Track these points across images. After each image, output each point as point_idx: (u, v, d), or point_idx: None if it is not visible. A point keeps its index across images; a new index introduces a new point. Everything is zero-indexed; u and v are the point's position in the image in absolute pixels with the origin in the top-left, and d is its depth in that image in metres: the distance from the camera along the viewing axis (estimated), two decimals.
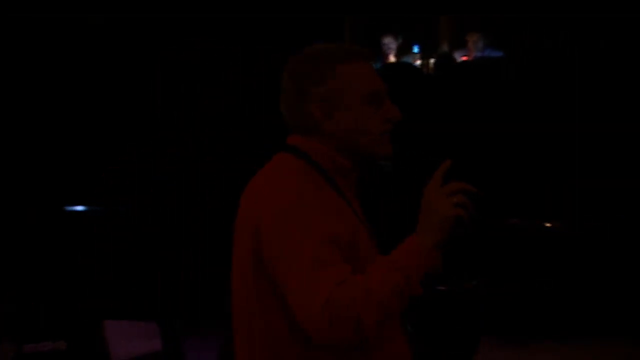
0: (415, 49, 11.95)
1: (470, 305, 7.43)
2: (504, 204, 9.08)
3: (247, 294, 2.37)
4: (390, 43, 11.58)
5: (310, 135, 2.38)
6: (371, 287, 2.14)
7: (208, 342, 7.83)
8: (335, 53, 2.40)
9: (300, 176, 2.31)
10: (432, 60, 11.78)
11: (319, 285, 2.15)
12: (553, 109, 10.02)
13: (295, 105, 2.39)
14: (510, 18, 11.76)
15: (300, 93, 2.37)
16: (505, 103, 10.00)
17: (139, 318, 7.30)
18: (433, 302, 6.86)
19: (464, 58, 11.50)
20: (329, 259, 2.18)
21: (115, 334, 7.04)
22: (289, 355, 2.30)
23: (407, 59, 11.87)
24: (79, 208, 8.77)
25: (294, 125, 2.42)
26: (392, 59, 11.79)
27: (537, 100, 10.13)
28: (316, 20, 11.67)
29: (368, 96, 2.36)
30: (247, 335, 2.40)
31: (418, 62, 11.90)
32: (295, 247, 2.20)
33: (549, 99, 10.08)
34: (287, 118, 2.43)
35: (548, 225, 8.72)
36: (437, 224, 2.17)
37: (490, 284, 8.20)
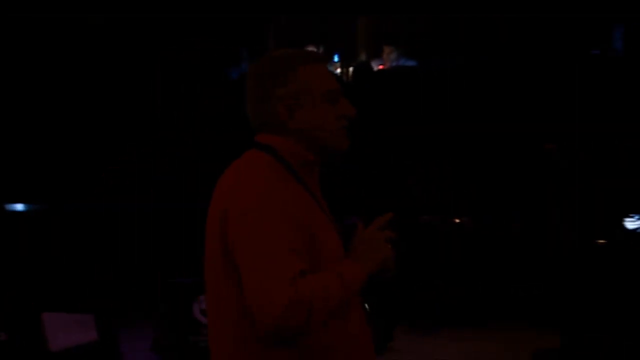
0: (336, 58, 12.19)
1: (388, 294, 7.65)
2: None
3: (217, 281, 2.40)
4: None
5: (275, 133, 2.44)
6: (326, 289, 2.24)
7: (142, 332, 8.05)
8: (295, 56, 2.46)
9: (268, 170, 2.36)
10: (351, 69, 12.06)
11: (280, 274, 2.21)
12: (463, 111, 10.32)
13: (260, 106, 2.45)
14: (424, 28, 12.08)
15: (265, 94, 2.43)
16: (419, 107, 10.29)
17: (75, 310, 7.35)
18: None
19: (381, 67, 11.82)
20: (292, 249, 2.25)
21: (53, 326, 7.09)
22: (256, 339, 2.31)
23: (328, 67, 12.04)
24: (19, 206, 8.75)
25: (260, 124, 2.48)
26: None
27: (448, 104, 10.43)
28: (241, 31, 11.76)
29: (326, 95, 2.44)
30: (219, 321, 2.42)
31: (338, 71, 12.14)
32: (259, 236, 2.26)
33: (459, 103, 10.38)
34: (252, 118, 2.49)
35: (457, 221, 8.94)
36: (379, 260, 2.37)
37: (404, 277, 8.42)
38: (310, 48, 11.64)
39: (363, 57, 12.31)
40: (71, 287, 7.78)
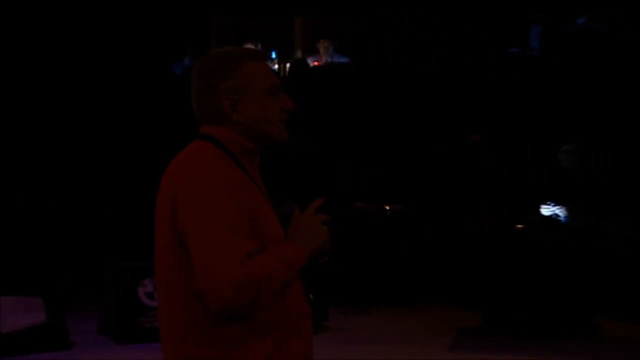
0: (273, 55, 12.30)
1: (323, 276, 7.79)
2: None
3: (167, 265, 2.44)
4: None
5: (219, 124, 2.51)
6: (271, 269, 2.31)
7: (89, 315, 8.09)
8: (239, 53, 2.55)
9: (211, 157, 2.44)
10: (287, 65, 12.16)
11: (229, 255, 2.27)
12: (393, 106, 10.48)
13: (205, 99, 2.52)
14: (358, 25, 12.21)
15: (210, 88, 2.50)
16: (355, 103, 10.41)
17: (24, 293, 7.40)
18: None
19: (316, 63, 11.96)
20: (239, 231, 2.32)
21: (4, 308, 7.21)
22: (204, 319, 2.38)
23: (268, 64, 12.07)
24: None
25: (204, 116, 2.54)
26: None
27: (381, 99, 10.56)
28: (183, 29, 11.77)
29: (268, 89, 2.52)
30: (169, 304, 2.47)
31: (275, 67, 12.25)
32: (207, 218, 2.32)
33: (391, 99, 10.54)
34: (197, 111, 2.56)
35: (387, 208, 9.07)
36: (317, 241, 2.47)
37: (338, 260, 8.52)
38: (249, 45, 11.75)
39: (299, 54, 12.43)
40: (21, 271, 7.75)
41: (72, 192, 10.14)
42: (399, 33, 11.60)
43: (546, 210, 8.68)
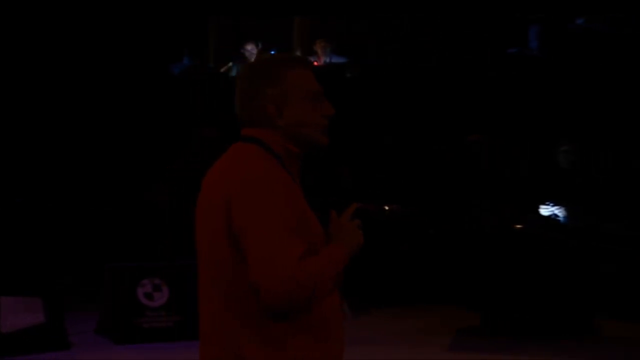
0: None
1: None
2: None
3: (218, 263, 2.50)
4: (252, 49, 11.81)
5: (263, 128, 2.58)
6: (324, 270, 2.41)
7: (88, 315, 8.06)
8: (285, 60, 2.63)
9: (262, 158, 2.51)
10: None
11: (288, 252, 2.34)
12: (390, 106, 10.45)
13: (251, 103, 2.59)
14: (357, 25, 12.19)
15: (257, 93, 2.58)
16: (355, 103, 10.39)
17: (23, 293, 7.38)
18: None
19: (315, 63, 11.93)
20: (294, 230, 2.39)
21: (4, 308, 7.19)
22: (253, 317, 2.44)
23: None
24: None
25: (248, 120, 2.61)
26: None
27: (378, 98, 10.54)
28: (181, 30, 11.74)
29: (311, 96, 2.59)
30: (217, 301, 2.53)
31: None
32: (266, 217, 2.38)
33: (389, 98, 10.50)
34: (241, 115, 2.63)
35: (387, 208, 9.04)
36: (356, 245, 2.52)
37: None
38: (249, 45, 11.71)
39: (298, 53, 12.41)
40: (21, 272, 7.72)
41: (71, 192, 10.09)
42: (399, 33, 11.58)
43: (545, 210, 8.64)
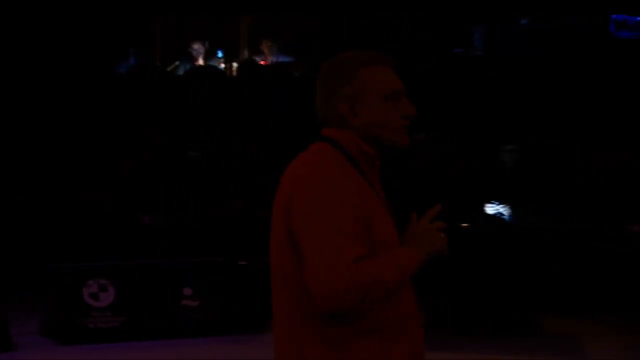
0: (219, 54, 12.22)
1: (266, 277, 7.70)
2: None
3: (282, 263, 2.47)
4: (199, 48, 11.76)
5: (340, 128, 2.53)
6: (381, 274, 2.34)
7: (32, 315, 7.93)
8: (359, 58, 2.56)
9: (331, 159, 2.46)
10: (235, 64, 12.09)
11: (339, 257, 2.30)
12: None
13: (326, 103, 2.55)
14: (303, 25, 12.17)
15: (331, 92, 2.53)
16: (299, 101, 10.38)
17: None
18: None
19: (262, 62, 11.89)
20: (350, 234, 2.33)
21: None
22: (315, 319, 2.40)
23: (212, 62, 12.07)
24: None
25: (325, 119, 2.57)
26: (200, 62, 12.00)
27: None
28: (126, 29, 11.64)
29: (386, 95, 2.51)
30: (283, 300, 2.50)
31: (222, 66, 12.18)
32: (319, 220, 2.34)
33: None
34: (320, 114, 2.59)
35: None
36: (434, 248, 2.46)
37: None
38: (196, 44, 11.63)
39: (245, 53, 12.37)
40: None
41: (13, 191, 9.92)
42: (399, 33, 11.52)
43: (491, 209, 8.72)
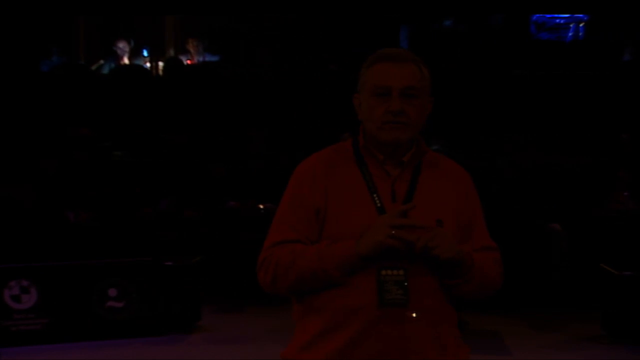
0: (145, 53, 12.10)
1: (193, 276, 7.65)
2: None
3: None
4: (124, 47, 11.64)
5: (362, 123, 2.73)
6: (297, 261, 2.52)
7: None
8: (373, 56, 2.68)
9: (322, 154, 2.70)
10: (160, 63, 11.99)
11: (268, 239, 2.61)
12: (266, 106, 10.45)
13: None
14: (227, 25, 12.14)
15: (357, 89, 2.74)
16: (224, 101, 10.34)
17: None
18: None
19: (189, 62, 11.81)
20: (286, 221, 2.59)
21: None
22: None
23: (138, 61, 11.95)
24: None
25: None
26: (125, 61, 11.86)
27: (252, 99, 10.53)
28: (49, 27, 11.46)
29: (374, 91, 2.61)
30: None
31: (147, 65, 12.06)
32: (280, 204, 2.66)
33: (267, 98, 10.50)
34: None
35: (261, 207, 9.00)
36: (371, 243, 2.46)
37: (210, 260, 8.41)
38: (121, 43, 11.50)
39: (171, 52, 12.28)
40: None
41: None
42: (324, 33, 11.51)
43: None
